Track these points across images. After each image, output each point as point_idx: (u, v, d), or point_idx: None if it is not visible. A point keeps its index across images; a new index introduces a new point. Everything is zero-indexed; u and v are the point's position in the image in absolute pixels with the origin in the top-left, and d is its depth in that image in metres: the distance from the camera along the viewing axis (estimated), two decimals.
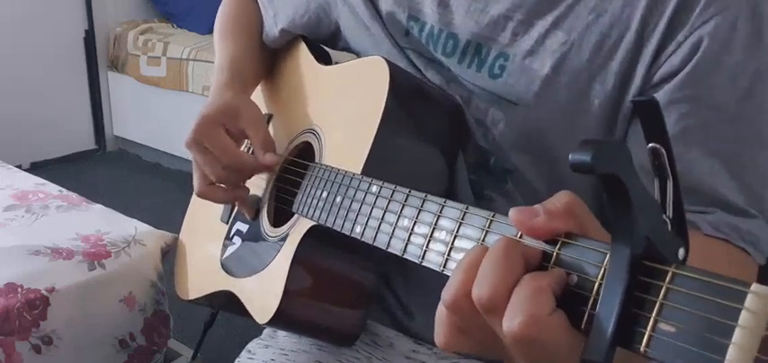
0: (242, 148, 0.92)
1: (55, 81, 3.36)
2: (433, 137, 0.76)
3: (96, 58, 3.46)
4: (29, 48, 3.22)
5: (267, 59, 0.99)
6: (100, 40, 3.45)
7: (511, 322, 0.40)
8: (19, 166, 2.02)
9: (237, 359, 0.88)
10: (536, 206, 0.43)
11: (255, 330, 0.89)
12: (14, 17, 3.15)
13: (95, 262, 1.26)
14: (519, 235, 0.45)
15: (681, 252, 0.39)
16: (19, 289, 1.16)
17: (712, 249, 0.62)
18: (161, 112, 3.31)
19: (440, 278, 0.51)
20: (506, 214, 0.47)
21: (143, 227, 1.41)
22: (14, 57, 3.17)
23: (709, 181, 0.64)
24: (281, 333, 0.90)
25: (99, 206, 1.52)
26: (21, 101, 3.22)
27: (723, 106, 0.64)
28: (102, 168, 3.48)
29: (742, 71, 0.64)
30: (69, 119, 3.47)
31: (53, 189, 1.58)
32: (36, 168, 3.10)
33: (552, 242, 0.43)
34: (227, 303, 0.88)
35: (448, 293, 0.44)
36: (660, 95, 0.65)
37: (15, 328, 1.13)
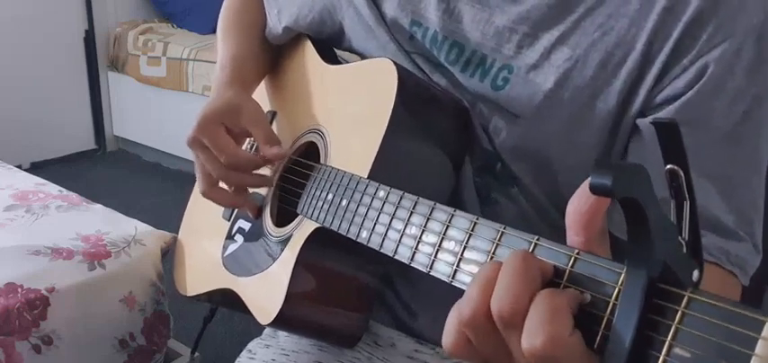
0: (244, 146, 0.91)
1: (55, 81, 3.36)
2: (441, 141, 0.75)
3: (96, 58, 3.45)
4: (29, 48, 3.21)
5: (270, 57, 0.98)
6: (100, 40, 3.45)
7: (531, 340, 0.40)
8: (19, 166, 2.01)
9: (238, 359, 0.88)
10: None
11: (256, 329, 0.89)
12: (14, 17, 3.15)
13: (95, 262, 1.26)
14: (530, 249, 0.45)
15: (695, 274, 0.39)
16: (19, 289, 1.16)
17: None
18: (161, 112, 3.30)
19: (443, 281, 0.51)
20: (511, 217, 0.47)
21: (143, 227, 1.41)
22: (14, 57, 3.17)
23: (703, 202, 0.63)
24: (282, 333, 0.90)
25: (99, 206, 1.52)
26: (21, 101, 3.22)
27: (720, 128, 0.64)
28: (102, 168, 3.47)
29: (742, 95, 0.64)
30: (69, 119, 3.46)
31: (53, 189, 1.58)
32: (36, 168, 3.09)
33: (565, 257, 0.43)
34: (227, 300, 0.88)
35: (465, 310, 0.44)
36: (662, 116, 0.65)
37: (15, 328, 1.13)
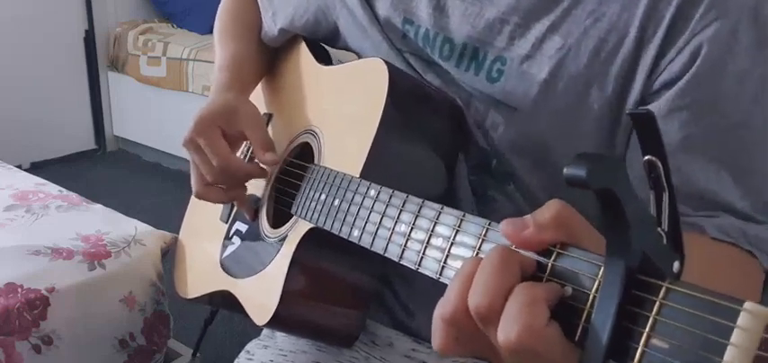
0: (241, 150, 0.92)
1: (55, 81, 3.36)
2: (433, 140, 0.76)
3: (96, 58, 3.46)
4: (29, 48, 3.22)
5: (267, 58, 0.99)
6: (100, 40, 3.45)
7: (507, 332, 0.40)
8: (19, 166, 2.02)
9: (236, 360, 0.88)
10: (526, 217, 0.44)
11: (255, 330, 0.89)
12: (14, 17, 3.15)
13: (95, 262, 1.26)
14: (514, 245, 0.45)
15: (675, 265, 0.39)
16: (19, 289, 1.16)
17: (718, 252, 0.62)
18: (161, 112, 3.31)
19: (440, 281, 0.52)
20: (508, 215, 0.48)
21: (143, 227, 1.41)
22: (14, 57, 3.17)
23: (714, 187, 0.63)
24: (280, 334, 0.90)
25: (99, 206, 1.52)
26: (21, 101, 3.22)
27: (728, 113, 0.64)
28: (102, 168, 3.47)
29: (748, 77, 0.63)
30: (69, 119, 3.47)
31: (53, 189, 1.59)
32: (36, 168, 3.10)
33: (547, 252, 0.43)
34: (227, 302, 0.88)
35: (446, 308, 0.44)
36: (662, 102, 0.65)
37: (15, 328, 1.14)
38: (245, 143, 0.91)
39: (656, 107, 0.65)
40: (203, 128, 0.83)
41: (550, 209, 0.43)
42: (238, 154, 0.91)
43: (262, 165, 0.87)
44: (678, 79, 0.64)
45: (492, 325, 0.42)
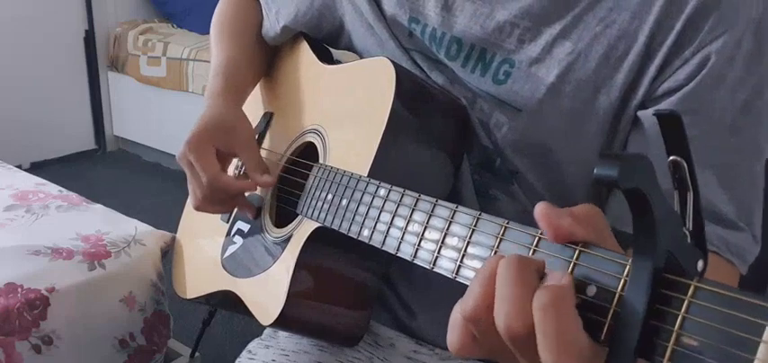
0: (235, 164, 0.91)
1: (55, 81, 3.36)
2: (439, 139, 0.76)
3: (96, 58, 3.46)
4: (29, 48, 3.21)
5: (265, 60, 0.98)
6: (100, 40, 3.45)
7: (549, 350, 0.39)
8: (19, 166, 2.01)
9: (238, 359, 0.88)
10: (563, 209, 0.44)
11: (255, 329, 0.89)
12: (14, 17, 3.15)
13: (95, 262, 1.26)
14: (534, 243, 0.44)
15: (700, 263, 0.39)
16: (19, 289, 1.16)
17: None
18: (161, 112, 3.30)
19: (443, 280, 0.51)
20: (511, 214, 0.48)
21: (143, 227, 1.40)
22: (14, 57, 3.17)
23: (703, 192, 0.64)
24: (282, 333, 0.90)
25: (99, 206, 1.51)
26: (21, 101, 3.22)
27: (721, 118, 0.65)
28: (102, 168, 3.47)
29: (742, 85, 0.64)
30: (69, 119, 3.46)
31: (53, 189, 1.58)
32: (36, 168, 3.10)
33: (570, 251, 0.43)
34: (227, 302, 0.88)
35: (467, 306, 0.44)
36: (663, 106, 0.66)
37: (15, 328, 1.13)
38: (235, 161, 0.91)
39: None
40: (196, 146, 0.82)
41: (587, 209, 0.44)
42: (232, 169, 0.90)
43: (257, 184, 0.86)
44: (683, 87, 0.65)
45: (521, 343, 0.41)
